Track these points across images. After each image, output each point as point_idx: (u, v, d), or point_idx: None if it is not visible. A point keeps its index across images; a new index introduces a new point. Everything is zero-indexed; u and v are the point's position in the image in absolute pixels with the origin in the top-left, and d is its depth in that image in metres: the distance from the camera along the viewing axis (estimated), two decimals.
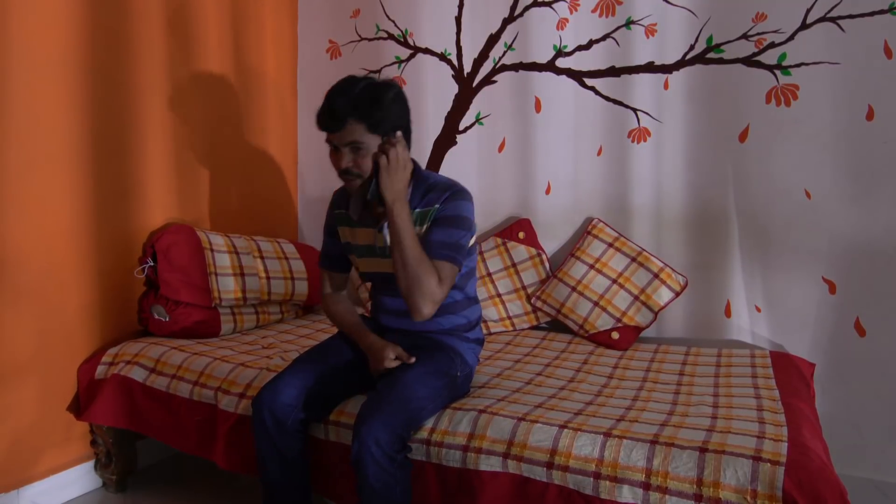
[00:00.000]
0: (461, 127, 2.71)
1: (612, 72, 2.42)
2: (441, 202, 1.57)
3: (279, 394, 1.53)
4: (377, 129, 1.49)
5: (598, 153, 2.48)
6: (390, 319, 1.72)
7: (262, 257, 2.45)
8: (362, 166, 1.51)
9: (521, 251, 2.53)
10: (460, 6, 2.66)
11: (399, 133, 1.53)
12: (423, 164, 2.75)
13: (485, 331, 2.46)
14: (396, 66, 2.81)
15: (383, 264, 1.61)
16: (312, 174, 3.04)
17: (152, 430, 1.96)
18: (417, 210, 1.57)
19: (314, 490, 1.66)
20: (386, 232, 1.56)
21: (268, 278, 2.42)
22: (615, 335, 2.27)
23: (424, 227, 1.57)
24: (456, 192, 1.59)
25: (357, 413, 1.46)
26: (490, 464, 1.44)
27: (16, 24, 1.86)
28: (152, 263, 2.16)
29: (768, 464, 1.25)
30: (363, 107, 1.47)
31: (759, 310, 2.27)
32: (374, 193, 1.53)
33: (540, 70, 2.53)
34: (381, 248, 1.61)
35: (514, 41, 2.57)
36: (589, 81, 2.47)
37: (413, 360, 1.56)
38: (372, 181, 1.52)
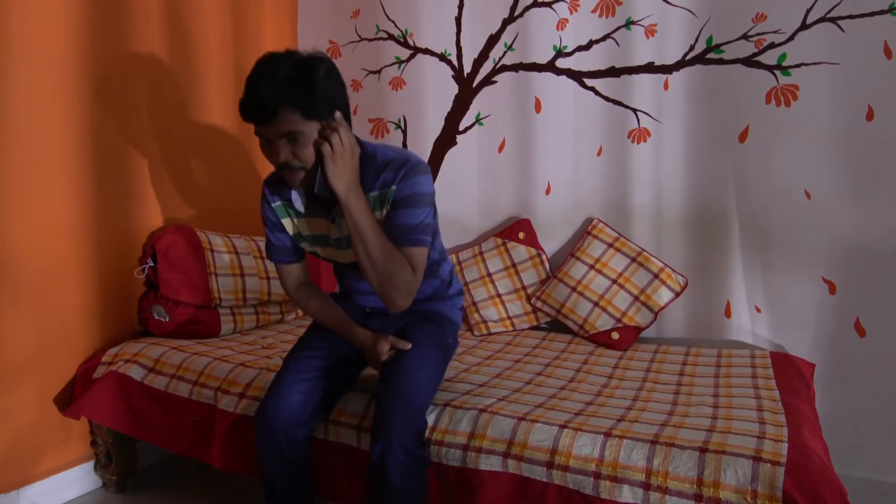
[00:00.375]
0: (461, 127, 2.71)
1: (612, 72, 2.42)
2: (398, 182, 1.41)
3: (286, 405, 1.47)
4: (314, 114, 1.31)
5: (598, 153, 2.48)
6: (365, 299, 1.63)
7: (261, 257, 2.45)
8: (303, 157, 1.34)
9: (521, 251, 2.53)
10: (460, 6, 2.66)
11: (339, 114, 1.35)
12: None
13: (485, 331, 2.47)
14: (396, 66, 2.81)
15: (343, 255, 1.53)
16: None
17: (147, 431, 1.93)
18: (373, 194, 1.43)
19: (316, 492, 1.65)
20: (340, 223, 1.45)
21: (268, 278, 2.42)
22: (615, 335, 2.27)
23: (384, 210, 1.43)
24: (411, 168, 1.42)
25: (375, 415, 1.42)
26: (490, 463, 1.44)
27: (16, 24, 1.86)
28: (152, 263, 2.16)
29: (768, 464, 1.25)
30: (295, 91, 1.28)
31: (759, 310, 2.27)
32: (321, 187, 1.38)
33: (540, 70, 2.53)
34: (336, 240, 1.51)
35: (514, 41, 2.57)
36: (589, 82, 2.47)
37: (409, 346, 1.50)
38: (317, 173, 1.37)
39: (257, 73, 1.33)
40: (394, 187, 1.41)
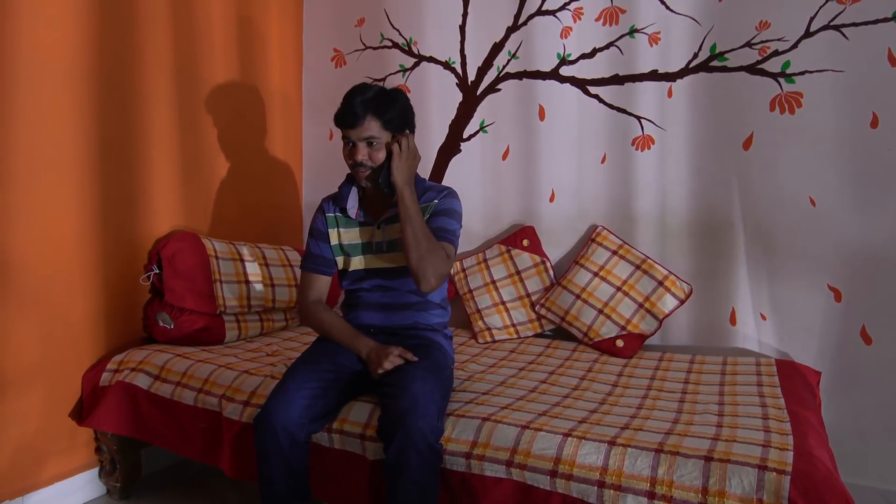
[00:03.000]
0: (465, 135, 2.72)
1: (616, 80, 2.43)
2: (439, 199, 1.75)
3: (289, 409, 1.51)
4: (389, 127, 1.66)
5: (602, 161, 2.48)
6: (373, 316, 1.79)
7: (266, 265, 2.45)
8: (375, 158, 1.67)
9: (525, 258, 2.53)
10: (464, 15, 2.68)
11: (408, 132, 1.71)
12: (427, 172, 2.78)
13: (489, 338, 2.46)
14: (401, 74, 2.82)
15: (382, 259, 1.76)
16: (317, 182, 3.04)
17: (156, 437, 1.97)
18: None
19: (317, 496, 1.65)
20: (386, 228, 1.73)
21: (272, 286, 2.42)
22: (620, 343, 2.27)
23: (426, 217, 1.71)
24: (450, 192, 1.79)
25: (383, 420, 1.48)
26: (493, 471, 1.44)
27: (24, 32, 1.88)
28: (157, 271, 2.17)
29: (774, 473, 1.24)
30: (379, 106, 1.64)
31: (764, 318, 2.27)
32: (385, 179, 1.67)
33: (544, 78, 2.54)
34: (378, 244, 1.76)
35: (517, 50, 2.58)
36: (592, 89, 2.48)
37: (416, 359, 1.61)
38: (382, 170, 1.68)
39: (353, 91, 1.68)
40: (436, 201, 1.75)
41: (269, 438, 1.52)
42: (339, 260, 1.81)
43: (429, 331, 1.79)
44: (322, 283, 1.82)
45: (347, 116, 1.65)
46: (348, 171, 1.75)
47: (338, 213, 1.80)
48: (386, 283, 1.77)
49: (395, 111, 1.67)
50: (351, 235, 1.79)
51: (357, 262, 1.78)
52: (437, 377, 1.57)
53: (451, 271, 2.62)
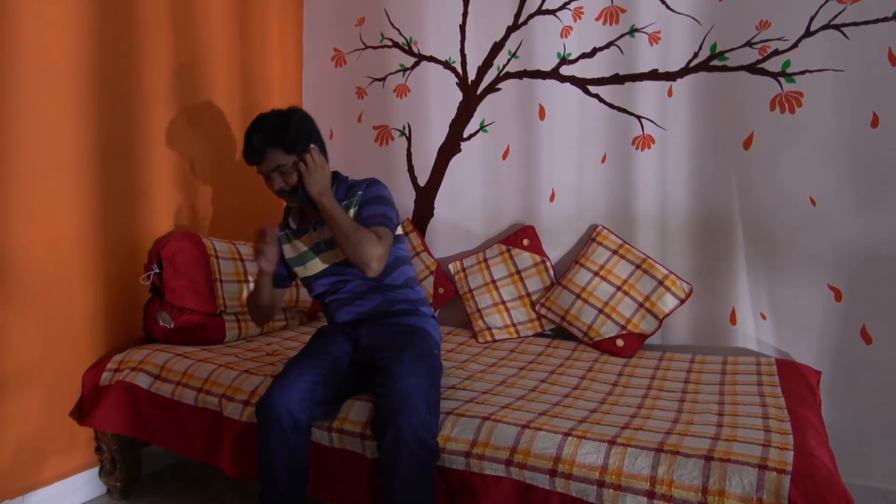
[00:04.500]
0: (465, 134, 2.72)
1: (616, 79, 2.43)
2: (363, 189, 1.84)
3: (291, 392, 1.55)
4: (292, 150, 1.76)
5: (603, 160, 2.48)
6: (345, 312, 1.86)
7: None
8: (290, 181, 1.77)
9: (525, 258, 2.53)
10: (464, 14, 2.67)
11: (312, 145, 1.77)
12: (427, 172, 2.78)
13: (489, 338, 2.46)
14: (401, 73, 2.82)
15: (328, 257, 1.86)
16: None
17: (157, 436, 1.97)
18: (345, 203, 1.82)
19: (318, 496, 1.66)
20: (321, 228, 1.84)
21: None
22: (620, 342, 2.27)
23: (353, 211, 1.81)
24: (374, 181, 1.87)
25: (375, 419, 1.50)
26: (493, 470, 1.44)
27: (24, 32, 1.88)
28: (157, 270, 2.17)
29: (774, 472, 1.24)
30: (275, 136, 1.74)
31: (764, 317, 2.26)
32: (302, 196, 1.77)
33: (544, 78, 2.54)
34: (317, 244, 1.87)
35: (518, 49, 2.58)
36: (593, 89, 2.47)
37: (274, 227, 1.84)
38: (298, 189, 1.77)
39: (250, 129, 1.78)
40: (360, 193, 1.84)
41: (271, 420, 1.54)
42: (300, 269, 1.91)
43: (409, 315, 1.84)
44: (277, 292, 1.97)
45: (251, 155, 1.77)
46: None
47: (286, 231, 1.93)
48: (342, 277, 1.85)
49: (293, 134, 1.75)
50: (298, 245, 1.91)
51: (312, 266, 1.88)
52: (423, 367, 1.59)
53: (452, 270, 2.63)
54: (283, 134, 1.75)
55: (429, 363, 1.65)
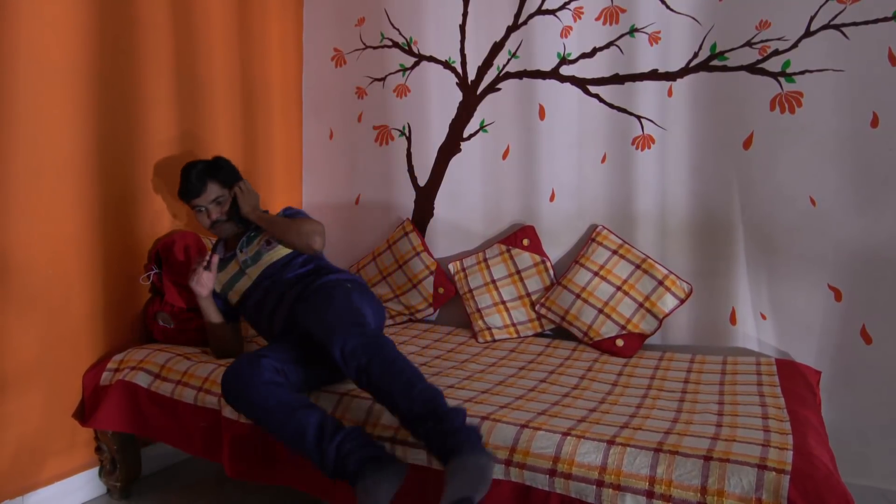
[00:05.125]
0: (465, 134, 2.72)
1: (616, 79, 2.43)
2: (281, 212, 2.13)
3: (259, 363, 1.60)
4: (226, 184, 2.09)
5: (602, 160, 2.48)
6: (277, 309, 1.96)
7: None
8: (224, 211, 2.09)
9: (525, 258, 2.53)
10: (464, 14, 2.67)
11: (243, 179, 2.13)
12: (427, 172, 2.78)
13: (489, 338, 2.46)
14: (401, 73, 2.82)
15: (254, 271, 2.05)
16: (317, 181, 3.05)
17: (158, 433, 1.97)
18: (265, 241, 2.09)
19: (319, 496, 1.66)
20: (247, 248, 2.09)
21: None
22: (620, 342, 2.27)
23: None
24: (288, 207, 2.17)
25: (332, 357, 1.59)
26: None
27: (23, 32, 1.88)
28: (157, 270, 2.17)
29: (773, 472, 1.24)
30: (211, 172, 2.08)
31: (764, 317, 2.26)
32: (236, 215, 2.08)
33: (544, 78, 2.54)
34: (244, 262, 2.07)
35: (518, 49, 2.58)
36: (593, 89, 2.47)
37: (215, 255, 2.04)
38: (233, 212, 2.08)
39: (186, 169, 2.08)
40: (279, 213, 2.12)
41: (259, 378, 1.57)
42: (231, 295, 2.09)
43: (328, 273, 2.02)
44: (230, 330, 2.11)
45: (193, 189, 2.05)
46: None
47: (217, 263, 2.09)
48: (272, 274, 2.03)
49: (224, 172, 2.10)
50: (228, 270, 2.10)
51: (242, 284, 2.06)
52: (333, 299, 1.78)
53: (452, 270, 2.63)
54: (218, 170, 2.09)
55: (339, 293, 1.83)
